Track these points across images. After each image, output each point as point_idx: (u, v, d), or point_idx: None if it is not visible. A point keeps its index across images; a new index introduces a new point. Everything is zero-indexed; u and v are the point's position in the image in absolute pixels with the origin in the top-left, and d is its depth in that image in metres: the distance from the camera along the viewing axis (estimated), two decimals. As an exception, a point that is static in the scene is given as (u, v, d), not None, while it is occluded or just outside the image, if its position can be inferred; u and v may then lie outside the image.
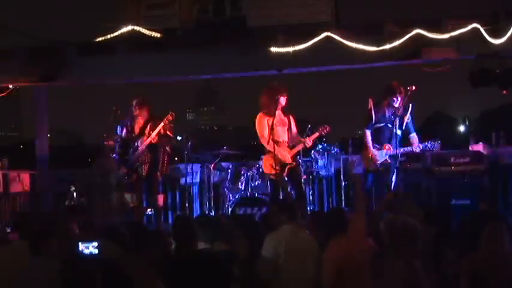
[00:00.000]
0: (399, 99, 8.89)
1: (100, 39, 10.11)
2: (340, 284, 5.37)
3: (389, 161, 8.97)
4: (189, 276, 4.93)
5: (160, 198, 9.87)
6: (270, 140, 8.87)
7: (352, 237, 5.68)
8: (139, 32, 9.84)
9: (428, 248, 6.09)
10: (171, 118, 9.39)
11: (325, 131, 9.22)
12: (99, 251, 4.69)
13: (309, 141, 9.21)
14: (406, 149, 8.94)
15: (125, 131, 9.65)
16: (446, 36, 8.92)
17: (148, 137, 9.42)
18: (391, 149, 8.87)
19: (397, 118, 8.88)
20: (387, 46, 9.06)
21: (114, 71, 10.31)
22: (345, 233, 5.86)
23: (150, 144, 9.47)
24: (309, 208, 9.57)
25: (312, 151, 10.03)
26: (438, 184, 9.87)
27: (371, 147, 9.04)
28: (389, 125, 8.93)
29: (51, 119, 11.50)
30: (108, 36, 9.98)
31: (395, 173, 8.94)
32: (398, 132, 8.93)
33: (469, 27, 8.80)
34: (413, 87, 8.95)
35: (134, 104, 9.59)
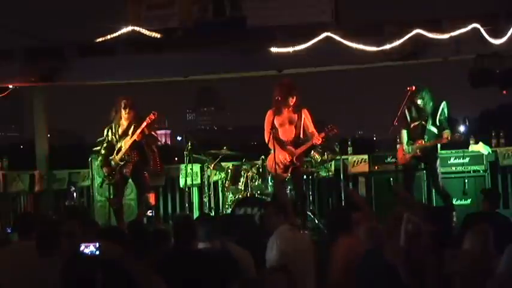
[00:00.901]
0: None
1: (100, 39, 10.11)
2: (348, 282, 5.38)
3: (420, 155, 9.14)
4: (189, 275, 4.93)
5: (152, 197, 9.79)
6: (271, 139, 8.80)
7: (360, 237, 5.69)
8: (139, 32, 9.85)
9: (429, 248, 6.10)
10: (153, 117, 9.06)
11: (332, 132, 8.94)
12: (99, 251, 4.68)
13: (317, 141, 8.87)
14: (436, 141, 9.07)
15: (110, 132, 9.46)
16: (446, 36, 8.91)
17: (131, 137, 9.18)
18: (423, 142, 9.03)
19: (429, 116, 9.05)
20: (387, 46, 9.05)
21: (114, 71, 10.31)
22: (351, 232, 5.87)
23: (135, 144, 9.21)
24: (309, 208, 9.54)
25: (312, 151, 9.98)
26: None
27: (404, 143, 9.18)
28: (423, 122, 9.08)
29: (51, 119, 11.49)
30: (108, 37, 9.98)
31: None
32: (433, 129, 9.06)
33: (469, 27, 8.79)
34: (413, 88, 8.99)
35: (122, 105, 9.22)
